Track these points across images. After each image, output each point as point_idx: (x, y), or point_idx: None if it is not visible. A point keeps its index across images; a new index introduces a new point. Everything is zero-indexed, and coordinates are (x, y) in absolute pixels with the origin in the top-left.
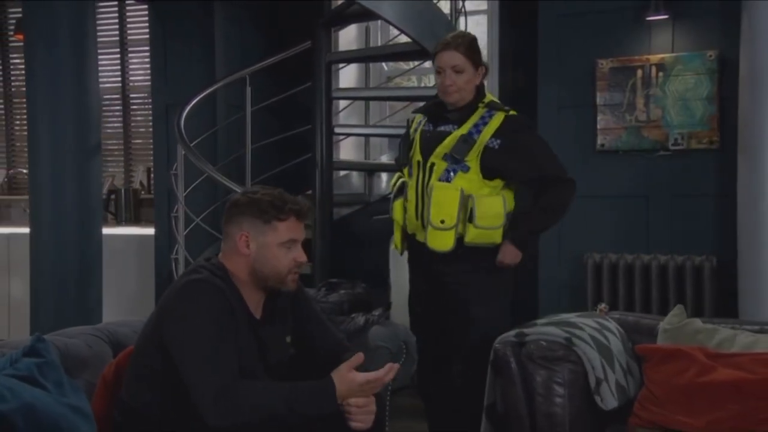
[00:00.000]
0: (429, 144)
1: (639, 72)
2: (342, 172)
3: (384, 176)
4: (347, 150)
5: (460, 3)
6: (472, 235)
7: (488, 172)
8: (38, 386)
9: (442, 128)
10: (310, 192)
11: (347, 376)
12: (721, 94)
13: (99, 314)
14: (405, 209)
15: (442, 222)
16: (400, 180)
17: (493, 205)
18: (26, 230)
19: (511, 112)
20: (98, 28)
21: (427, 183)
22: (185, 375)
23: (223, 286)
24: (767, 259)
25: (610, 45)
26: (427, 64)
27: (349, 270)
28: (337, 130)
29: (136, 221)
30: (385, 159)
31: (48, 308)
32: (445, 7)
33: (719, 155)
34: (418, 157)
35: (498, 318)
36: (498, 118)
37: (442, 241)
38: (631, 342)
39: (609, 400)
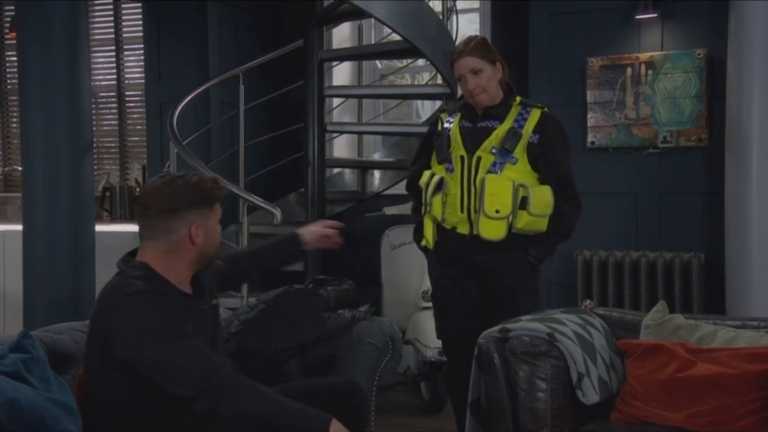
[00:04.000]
0: (473, 139)
1: (629, 70)
2: (335, 170)
3: (377, 174)
4: (340, 147)
5: (452, 1)
6: (523, 222)
7: (535, 164)
8: (24, 382)
9: (483, 124)
10: (303, 190)
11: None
12: (709, 93)
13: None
14: (443, 204)
15: (497, 211)
16: (436, 176)
17: (545, 194)
18: (21, 227)
19: (545, 109)
20: (93, 25)
21: (475, 176)
22: (171, 380)
23: (157, 287)
24: (754, 256)
25: (600, 43)
26: (420, 61)
27: (341, 267)
28: (329, 127)
29: (130, 218)
30: (377, 156)
31: (41, 305)
32: (437, 6)
33: (708, 153)
34: (461, 152)
35: (537, 309)
36: (535, 114)
37: (495, 231)
38: (614, 337)
39: (591, 395)
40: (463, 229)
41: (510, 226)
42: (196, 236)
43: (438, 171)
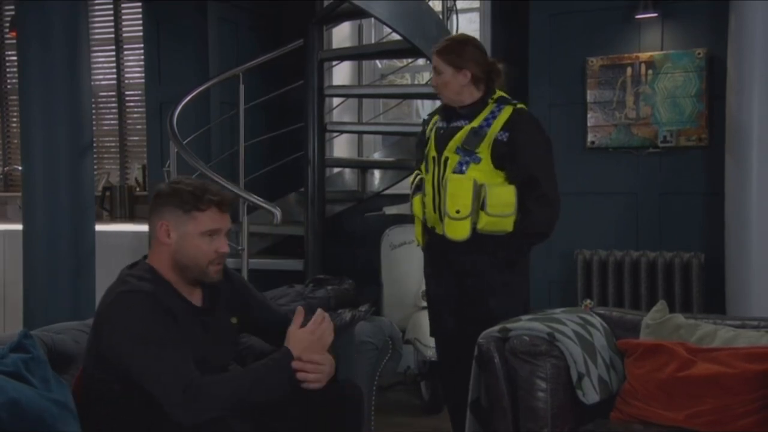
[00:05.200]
0: (443, 139)
1: (629, 70)
2: (335, 169)
3: (377, 173)
4: (340, 147)
5: (452, 1)
6: (483, 223)
7: (500, 163)
8: (24, 382)
9: (455, 124)
10: (303, 189)
11: (297, 335)
12: (709, 92)
13: (92, 310)
14: (424, 204)
15: (458, 212)
16: (418, 177)
17: (504, 194)
18: (21, 227)
19: (519, 106)
20: (93, 25)
21: (443, 176)
22: (146, 385)
23: (152, 289)
24: (754, 255)
25: (601, 43)
26: (421, 61)
27: (341, 267)
28: (329, 127)
29: (131, 218)
30: (377, 156)
31: (41, 304)
32: (437, 5)
33: (708, 152)
34: (432, 152)
35: (516, 311)
36: (506, 112)
37: (458, 231)
38: (614, 337)
39: (591, 395)
40: (439, 230)
41: (474, 226)
42: (164, 234)
43: (421, 171)
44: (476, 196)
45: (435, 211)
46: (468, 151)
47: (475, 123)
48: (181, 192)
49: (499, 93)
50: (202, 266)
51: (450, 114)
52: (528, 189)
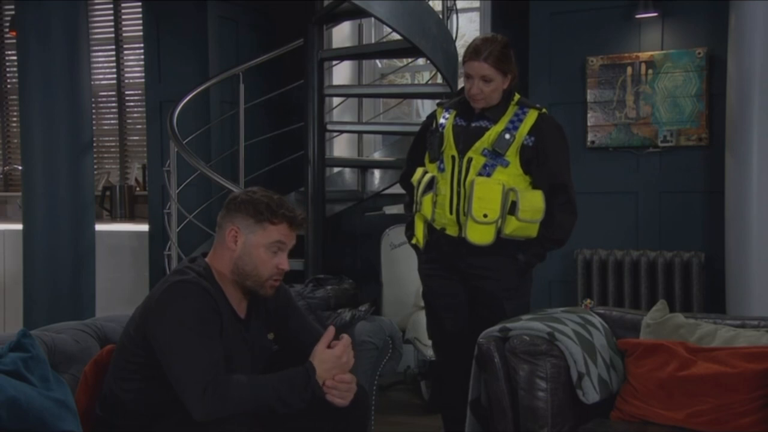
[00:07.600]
0: (465, 139)
1: (629, 69)
2: (335, 169)
3: (377, 173)
4: (340, 146)
5: (452, 0)
6: (511, 228)
7: (527, 167)
8: (24, 381)
9: (477, 124)
10: (303, 189)
11: (324, 354)
12: (709, 92)
13: (92, 309)
14: (434, 203)
15: (485, 216)
16: (428, 175)
17: (535, 200)
18: (21, 226)
19: (543, 110)
20: (93, 24)
21: (465, 178)
22: (171, 372)
23: (208, 286)
24: (754, 255)
25: (601, 42)
26: (420, 61)
27: (341, 267)
28: (329, 126)
29: (131, 218)
30: (377, 155)
31: (41, 304)
32: (437, 5)
33: (708, 152)
34: (452, 151)
35: (525, 313)
36: (532, 116)
37: (482, 235)
38: (615, 337)
39: (591, 394)
40: (452, 231)
41: (498, 231)
42: (231, 239)
43: (430, 169)
44: (504, 201)
45: (451, 213)
46: (497, 154)
47: (501, 125)
48: (257, 202)
49: (517, 95)
50: (261, 278)
51: (470, 112)
52: (553, 195)
